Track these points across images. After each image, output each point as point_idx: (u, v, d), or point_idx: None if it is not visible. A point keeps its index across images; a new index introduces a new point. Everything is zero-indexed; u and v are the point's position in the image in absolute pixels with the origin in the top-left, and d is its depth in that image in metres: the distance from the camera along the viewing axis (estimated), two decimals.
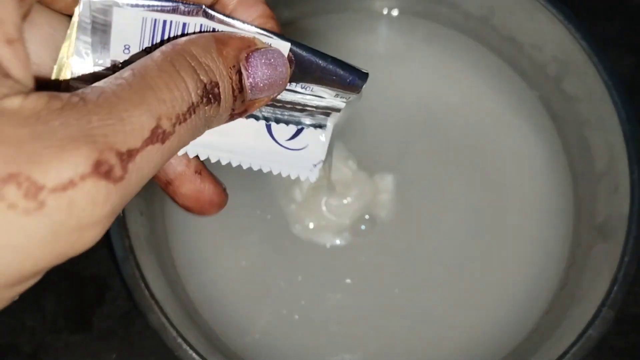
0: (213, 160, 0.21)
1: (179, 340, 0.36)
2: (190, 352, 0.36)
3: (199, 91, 0.17)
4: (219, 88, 0.18)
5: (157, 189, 0.23)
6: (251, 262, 0.44)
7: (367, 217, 0.44)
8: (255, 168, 0.21)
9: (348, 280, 0.43)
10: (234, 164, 0.21)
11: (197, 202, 0.22)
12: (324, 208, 0.43)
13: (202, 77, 0.17)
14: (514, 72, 0.48)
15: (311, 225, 0.44)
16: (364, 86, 0.20)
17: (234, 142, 0.21)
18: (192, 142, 0.18)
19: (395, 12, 0.50)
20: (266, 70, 0.19)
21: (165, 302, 0.38)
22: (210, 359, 0.36)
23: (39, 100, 0.15)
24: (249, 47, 0.19)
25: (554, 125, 0.47)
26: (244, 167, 0.21)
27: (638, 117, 0.41)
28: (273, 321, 0.42)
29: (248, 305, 0.43)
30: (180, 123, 0.16)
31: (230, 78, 0.18)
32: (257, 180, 0.45)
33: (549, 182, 0.46)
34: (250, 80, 0.18)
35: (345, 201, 0.43)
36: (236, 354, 0.41)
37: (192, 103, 0.17)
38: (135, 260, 0.38)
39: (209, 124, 0.18)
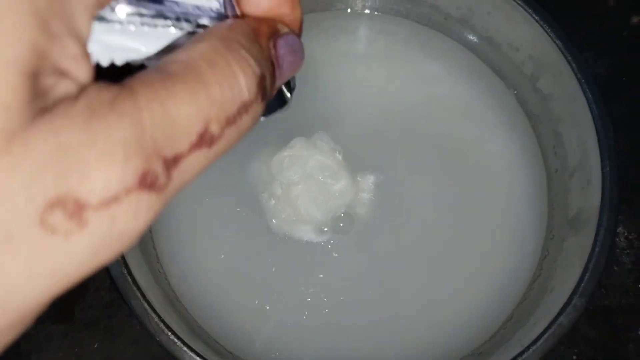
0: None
1: (161, 325, 0.37)
2: (172, 336, 0.37)
3: (252, 87, 0.15)
4: (266, 81, 0.15)
5: None
6: (229, 255, 0.44)
7: (342, 214, 0.44)
8: None
9: (321, 275, 0.44)
10: None
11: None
12: (303, 204, 0.44)
13: (255, 70, 0.15)
14: (492, 71, 0.49)
15: (289, 220, 0.44)
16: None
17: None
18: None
19: (376, 12, 0.50)
20: (291, 58, 0.17)
21: (147, 290, 0.39)
22: (190, 344, 0.37)
23: (92, 92, 0.13)
24: (276, 33, 0.17)
25: (529, 123, 0.48)
26: None
27: (610, 114, 0.42)
28: (246, 310, 0.43)
29: (224, 295, 0.43)
30: (230, 125, 0.14)
31: (269, 69, 0.16)
32: (238, 176, 0.46)
33: (525, 178, 0.47)
34: (280, 69, 0.16)
35: (326, 198, 0.44)
36: (215, 339, 0.42)
37: (245, 101, 0.15)
38: None
39: (254, 124, 0.16)
